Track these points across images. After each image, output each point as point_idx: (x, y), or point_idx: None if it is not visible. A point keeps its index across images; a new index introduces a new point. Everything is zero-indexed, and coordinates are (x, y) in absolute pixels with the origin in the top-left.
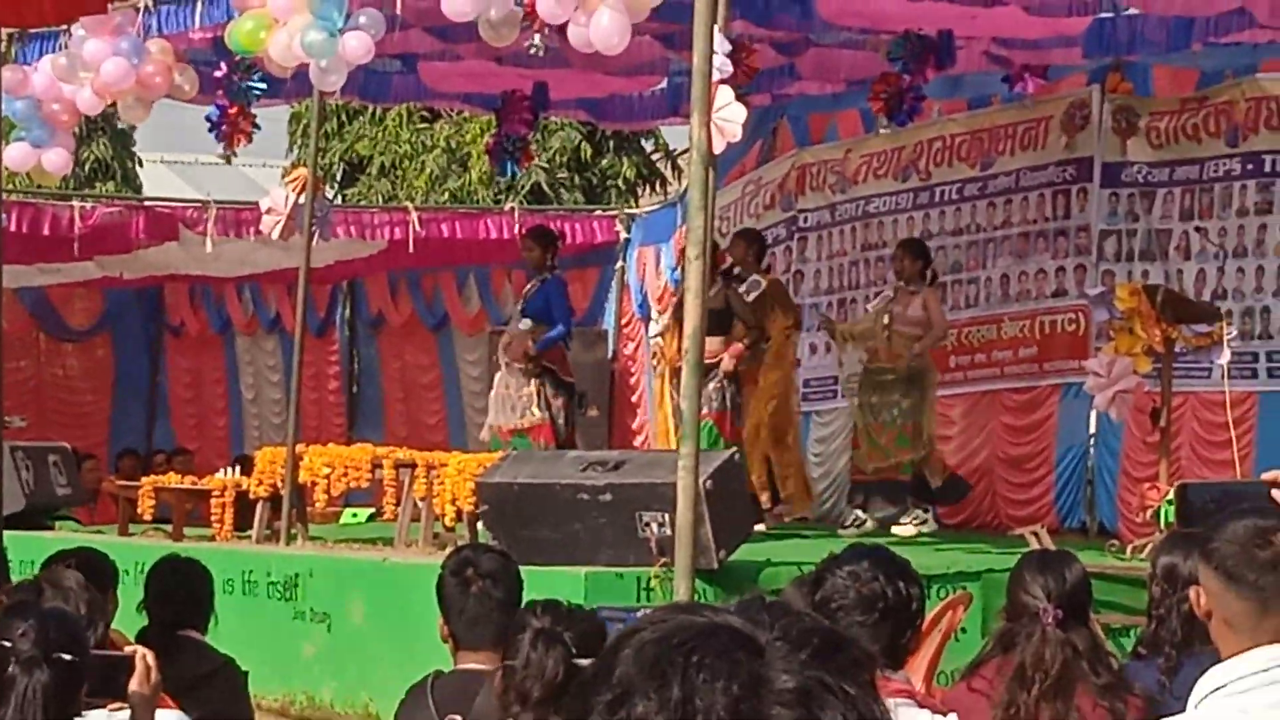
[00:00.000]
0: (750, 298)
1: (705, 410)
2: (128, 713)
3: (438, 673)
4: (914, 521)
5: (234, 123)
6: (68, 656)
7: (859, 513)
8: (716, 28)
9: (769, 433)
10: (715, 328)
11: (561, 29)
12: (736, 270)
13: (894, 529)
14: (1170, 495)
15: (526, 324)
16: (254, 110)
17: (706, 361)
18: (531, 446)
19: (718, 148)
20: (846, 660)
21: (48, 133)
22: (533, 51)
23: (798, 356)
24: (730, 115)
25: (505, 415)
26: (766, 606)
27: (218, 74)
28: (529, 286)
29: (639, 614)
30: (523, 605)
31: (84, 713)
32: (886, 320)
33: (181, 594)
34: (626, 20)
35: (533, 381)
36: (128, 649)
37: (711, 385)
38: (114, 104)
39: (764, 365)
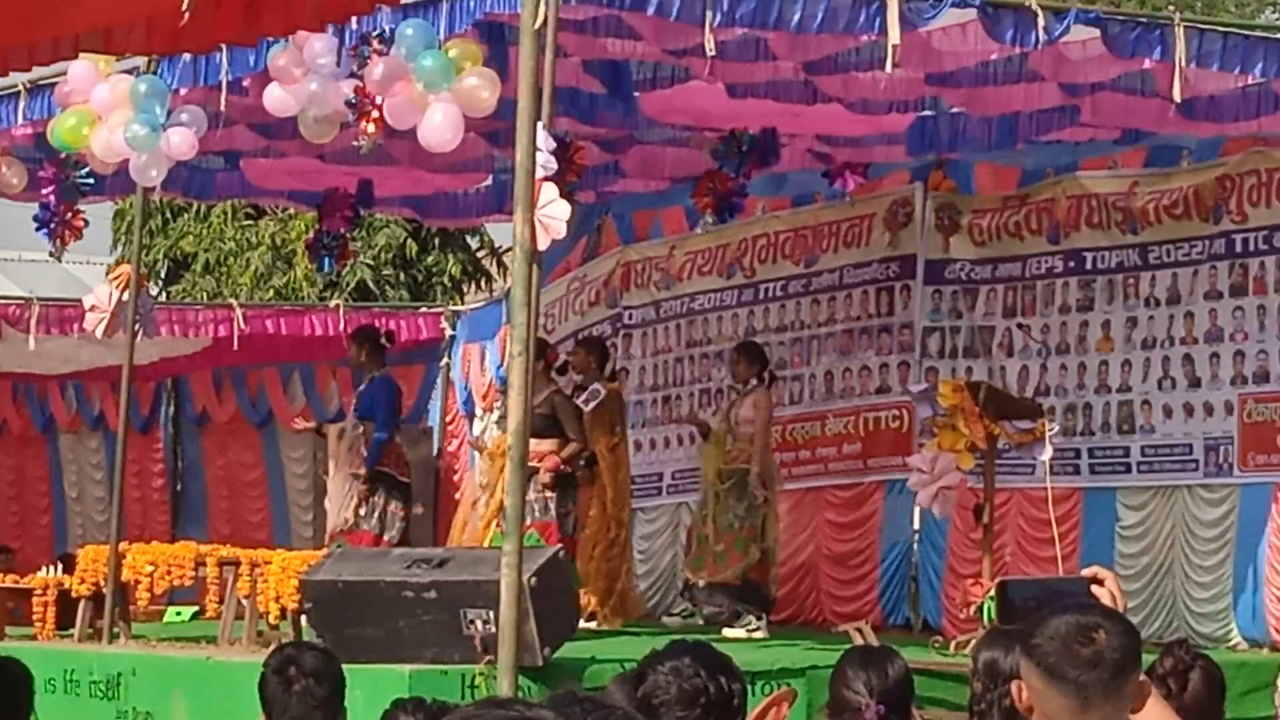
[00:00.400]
0: (589, 407)
1: (528, 520)
2: None
3: None
4: (746, 627)
5: (64, 220)
6: None
7: (688, 605)
8: (541, 125)
9: (603, 545)
10: (545, 430)
11: (388, 126)
12: (579, 378)
13: (725, 631)
14: (992, 591)
15: (358, 427)
16: (79, 207)
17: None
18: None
19: (542, 244)
20: None
21: None
22: (362, 150)
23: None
24: (554, 212)
25: (337, 517)
26: (579, 701)
27: (44, 172)
28: (361, 385)
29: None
30: (391, 704)
31: None
32: (727, 423)
33: (1, 694)
34: (459, 118)
35: (365, 488)
36: None
37: (532, 494)
38: None
39: (598, 477)
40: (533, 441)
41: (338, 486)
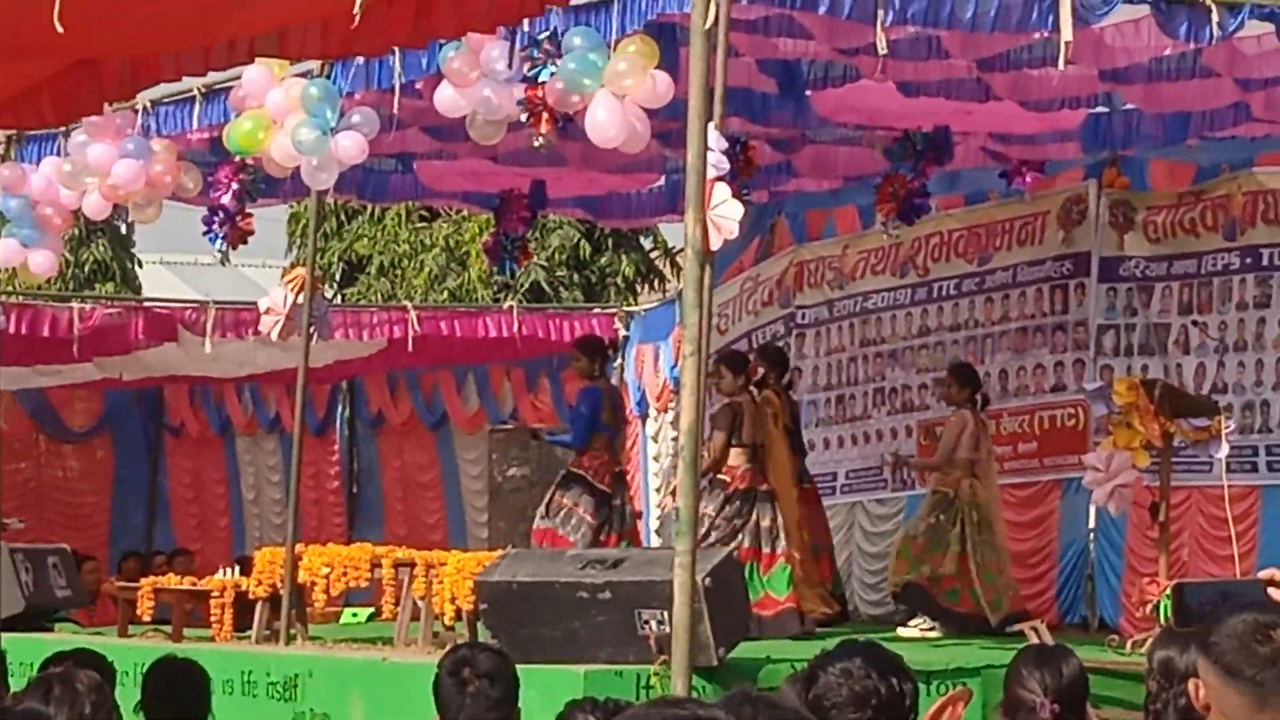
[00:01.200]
0: None
1: (714, 536)
2: None
3: None
4: (920, 626)
5: (233, 223)
6: None
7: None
8: (712, 125)
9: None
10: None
11: (561, 126)
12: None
13: (900, 631)
14: (1169, 591)
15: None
16: (251, 210)
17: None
18: None
19: (714, 245)
20: None
21: (38, 234)
22: (538, 146)
23: None
24: (727, 212)
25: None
26: (750, 701)
27: (218, 175)
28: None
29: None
30: (565, 704)
31: None
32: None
33: (179, 695)
34: (619, 109)
35: (556, 489)
36: None
37: (712, 509)
38: (118, 206)
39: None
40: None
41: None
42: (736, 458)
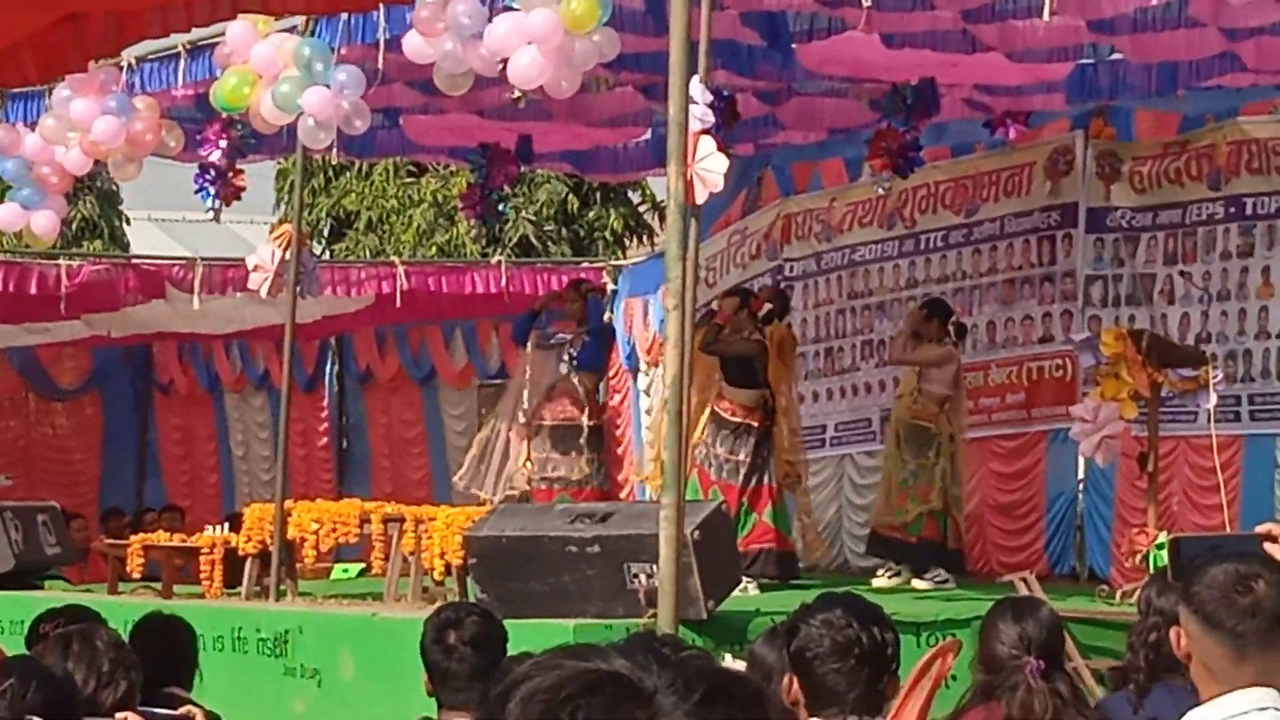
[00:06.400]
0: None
1: (715, 478)
2: None
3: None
4: (934, 579)
5: (225, 180)
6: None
7: (891, 563)
8: (697, 78)
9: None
10: (742, 380)
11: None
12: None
13: (915, 583)
14: (1160, 540)
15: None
16: (241, 166)
17: (731, 419)
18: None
19: (699, 198)
20: (737, 703)
21: (38, 194)
22: (515, 101)
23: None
24: (711, 166)
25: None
26: (654, 646)
27: (206, 132)
28: (570, 336)
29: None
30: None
31: None
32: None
33: (165, 651)
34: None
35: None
36: (118, 715)
37: (723, 450)
38: (99, 162)
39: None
40: (732, 391)
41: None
42: (750, 398)
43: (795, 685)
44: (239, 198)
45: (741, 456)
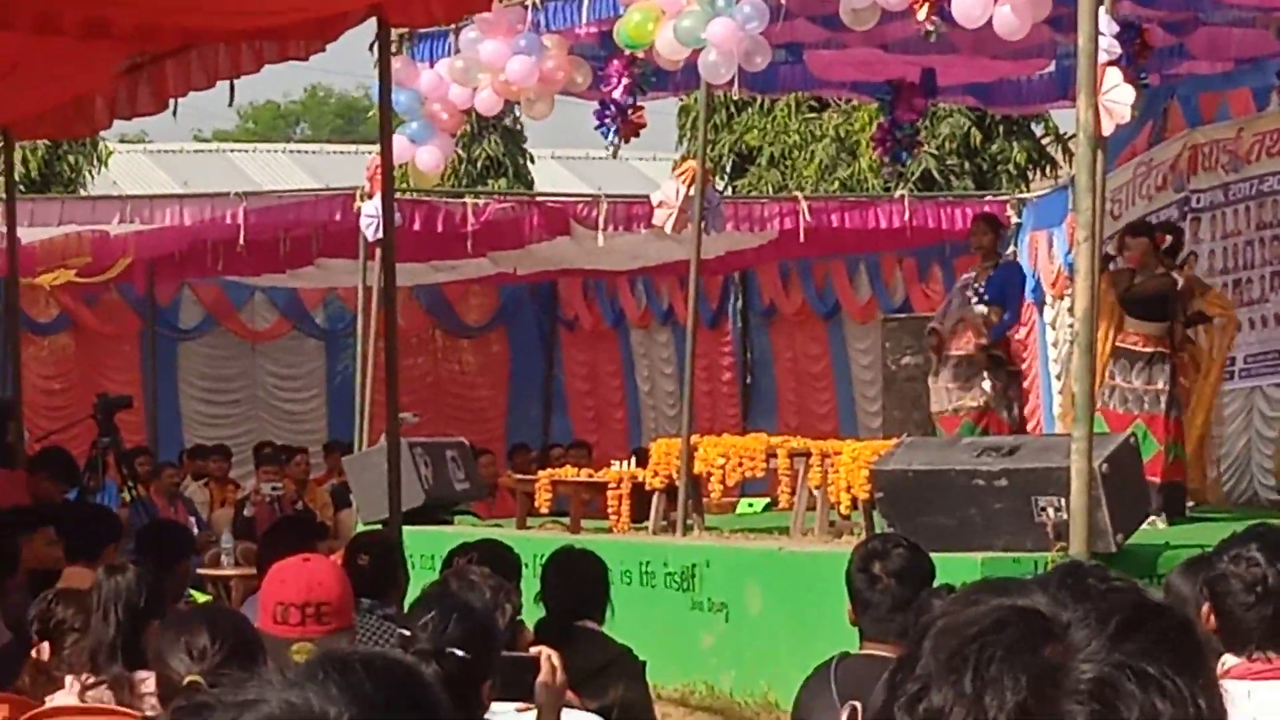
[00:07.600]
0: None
1: (1137, 411)
2: (534, 712)
3: (843, 654)
4: None
5: (625, 117)
6: (460, 653)
7: None
8: (1103, 9)
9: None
10: (1150, 313)
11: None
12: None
13: None
14: None
15: (981, 310)
16: (642, 104)
17: (1144, 350)
18: (976, 432)
19: (1106, 130)
20: (1158, 635)
21: (426, 130)
22: (926, 36)
23: None
24: (1118, 97)
25: (947, 401)
26: (1079, 577)
27: (609, 69)
28: (974, 272)
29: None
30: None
31: (492, 710)
32: None
33: (578, 585)
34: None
35: (982, 370)
36: (533, 650)
37: (1139, 383)
38: (509, 102)
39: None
40: (1137, 324)
41: (946, 371)
42: (1159, 329)
43: (1212, 618)
44: (638, 135)
45: (1160, 385)
